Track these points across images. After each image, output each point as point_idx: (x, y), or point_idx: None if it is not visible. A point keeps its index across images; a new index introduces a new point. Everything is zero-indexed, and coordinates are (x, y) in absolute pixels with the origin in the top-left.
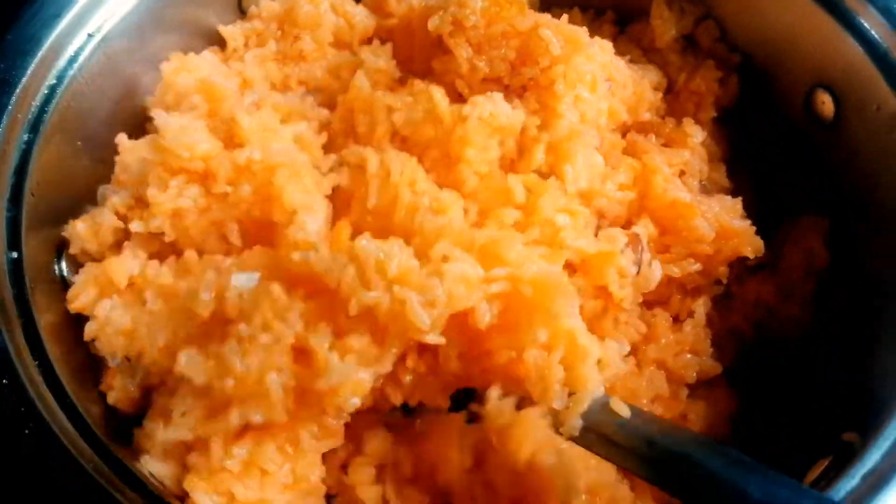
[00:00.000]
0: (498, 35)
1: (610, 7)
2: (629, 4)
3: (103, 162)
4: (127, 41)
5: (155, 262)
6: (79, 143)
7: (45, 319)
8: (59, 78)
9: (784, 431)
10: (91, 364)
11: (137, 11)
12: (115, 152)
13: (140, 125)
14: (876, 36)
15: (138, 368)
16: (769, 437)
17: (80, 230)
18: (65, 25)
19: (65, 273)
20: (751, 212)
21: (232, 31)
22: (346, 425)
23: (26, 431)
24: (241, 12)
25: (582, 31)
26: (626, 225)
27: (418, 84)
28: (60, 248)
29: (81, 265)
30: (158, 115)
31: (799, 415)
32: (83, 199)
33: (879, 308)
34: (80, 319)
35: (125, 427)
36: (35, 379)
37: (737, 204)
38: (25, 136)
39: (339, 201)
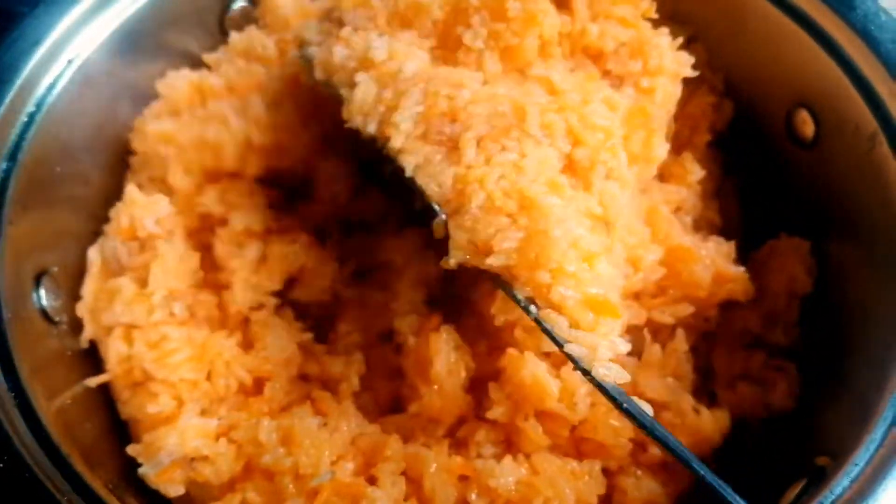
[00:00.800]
0: None
1: None
2: None
3: (87, 185)
4: (106, 67)
5: None
6: (58, 169)
7: (22, 354)
8: (38, 105)
9: (762, 453)
10: (75, 400)
11: (117, 37)
12: (100, 174)
13: (120, 152)
14: (853, 56)
15: None
16: (748, 457)
17: None
18: (44, 52)
19: (44, 302)
20: (735, 234)
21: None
22: None
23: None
24: (223, 34)
25: None
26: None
27: None
28: (39, 276)
29: (61, 292)
30: None
31: (776, 438)
32: (63, 227)
33: (856, 331)
34: (61, 352)
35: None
36: (12, 416)
37: (731, 248)
38: (4, 165)
39: None
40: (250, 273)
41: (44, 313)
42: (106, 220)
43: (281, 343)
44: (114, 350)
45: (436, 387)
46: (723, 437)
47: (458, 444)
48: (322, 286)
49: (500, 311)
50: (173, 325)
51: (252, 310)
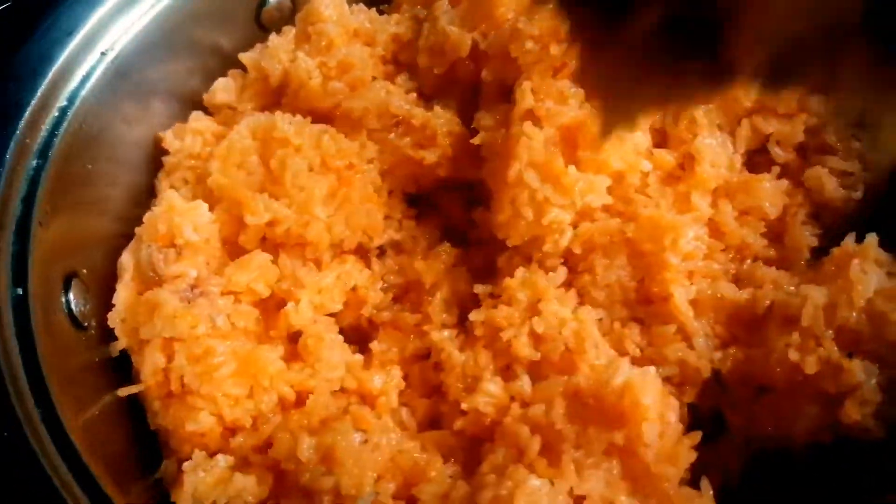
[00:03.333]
0: None
1: None
2: None
3: (115, 185)
4: (141, 59)
5: None
6: (89, 166)
7: (50, 362)
8: (71, 99)
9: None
10: (103, 411)
11: (152, 28)
12: (129, 174)
13: (151, 150)
14: None
15: None
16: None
17: None
18: (77, 43)
19: (72, 306)
20: None
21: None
22: None
23: (29, 489)
24: (260, 28)
25: None
26: None
27: None
28: (69, 279)
29: (90, 296)
30: None
31: (843, 475)
32: (92, 228)
33: None
34: (89, 360)
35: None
36: (39, 431)
37: None
38: (34, 163)
39: None
40: (315, 293)
41: (72, 318)
42: (135, 222)
43: (334, 361)
44: (150, 362)
45: (485, 399)
46: None
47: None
48: (370, 306)
49: None
50: (217, 338)
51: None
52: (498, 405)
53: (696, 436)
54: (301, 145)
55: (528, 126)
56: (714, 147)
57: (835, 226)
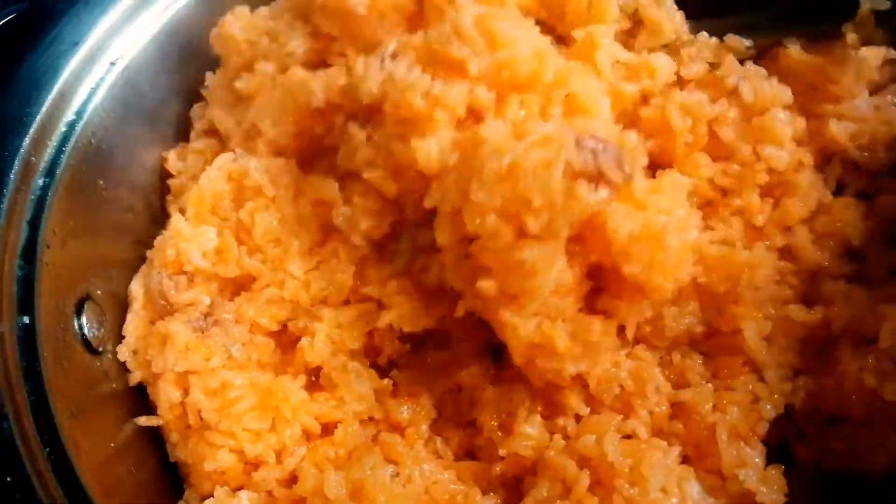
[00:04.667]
0: None
1: None
2: None
3: (131, 204)
4: (151, 70)
5: None
6: (101, 182)
7: (60, 398)
8: (79, 113)
9: None
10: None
11: (162, 37)
12: (143, 192)
13: (163, 160)
14: None
15: None
16: None
17: None
18: (84, 54)
19: (86, 331)
20: None
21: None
22: None
23: None
24: None
25: None
26: None
27: None
28: (81, 303)
29: (105, 319)
30: None
31: None
32: (109, 248)
33: None
34: (107, 389)
35: None
36: (46, 475)
37: None
38: (41, 182)
39: None
40: (334, 327)
41: (86, 343)
42: (152, 244)
43: (362, 390)
44: (165, 396)
45: (524, 442)
46: None
47: None
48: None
49: None
50: (234, 369)
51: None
52: (538, 446)
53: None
54: (276, 196)
55: None
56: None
57: None
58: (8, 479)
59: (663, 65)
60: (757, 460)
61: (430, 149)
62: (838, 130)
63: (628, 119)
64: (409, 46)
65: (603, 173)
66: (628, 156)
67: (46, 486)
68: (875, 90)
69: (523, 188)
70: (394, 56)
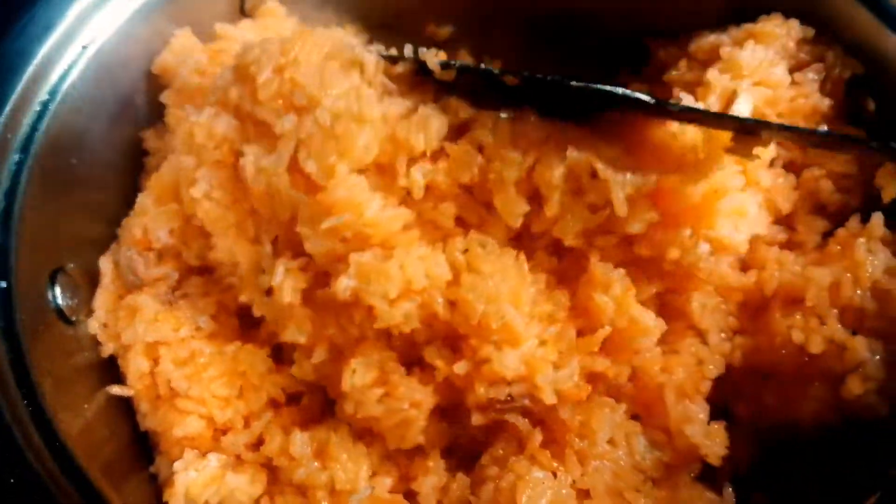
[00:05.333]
0: None
1: None
2: None
3: (102, 183)
4: (123, 53)
5: None
6: (73, 161)
7: (40, 359)
8: (52, 93)
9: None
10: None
11: (134, 21)
12: (115, 172)
13: (136, 141)
14: None
15: None
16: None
17: None
18: (57, 38)
19: (59, 300)
20: None
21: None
22: None
23: (11, 481)
24: (244, 14)
25: None
26: None
27: None
28: (54, 274)
29: (79, 290)
30: None
31: (848, 454)
32: (79, 221)
33: None
34: (82, 359)
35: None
36: (27, 428)
37: None
38: (16, 157)
39: None
40: None
41: (60, 313)
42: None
43: None
44: (134, 366)
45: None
46: None
47: None
48: None
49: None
50: (202, 339)
51: None
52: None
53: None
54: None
55: None
56: None
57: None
58: None
59: None
60: (701, 416)
61: None
62: (756, 94)
63: None
64: None
65: None
66: None
67: (29, 440)
68: (797, 67)
69: None
70: None
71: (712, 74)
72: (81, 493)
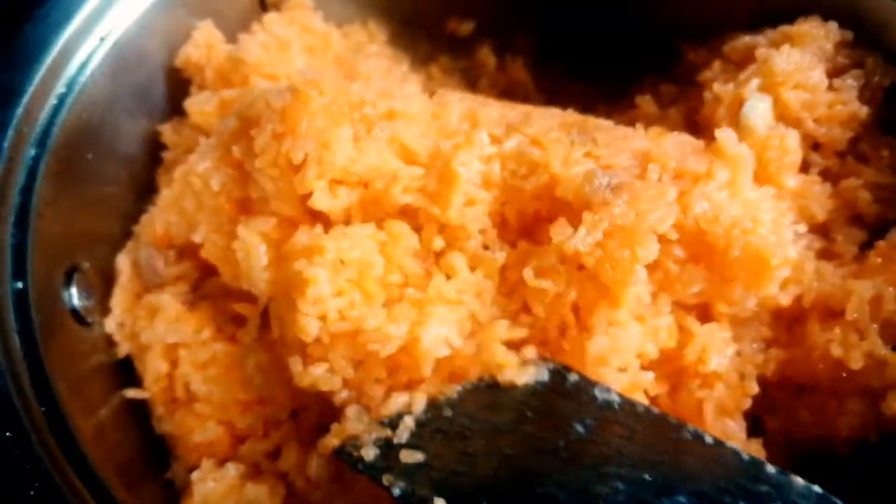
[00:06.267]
0: None
1: None
2: None
3: (117, 179)
4: (141, 45)
5: None
6: (90, 156)
7: (55, 360)
8: (69, 86)
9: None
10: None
11: (152, 13)
12: (130, 167)
13: (153, 135)
14: None
15: None
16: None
17: None
18: (74, 29)
19: (75, 301)
20: None
21: None
22: None
23: (31, 493)
24: (263, 9)
25: None
26: None
27: None
28: (70, 273)
29: (92, 290)
30: None
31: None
32: (97, 220)
33: None
34: (97, 361)
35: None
36: (42, 429)
37: None
38: (32, 152)
39: None
40: None
41: (76, 314)
42: (137, 219)
43: None
44: (152, 368)
45: None
46: None
47: None
48: None
49: None
50: (223, 341)
51: None
52: None
53: None
54: None
55: None
56: None
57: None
58: (7, 433)
59: None
60: (740, 434)
61: None
62: (792, 98)
63: None
64: None
65: None
66: None
67: (44, 441)
68: (835, 72)
69: None
70: None
71: (717, 87)
72: (93, 492)
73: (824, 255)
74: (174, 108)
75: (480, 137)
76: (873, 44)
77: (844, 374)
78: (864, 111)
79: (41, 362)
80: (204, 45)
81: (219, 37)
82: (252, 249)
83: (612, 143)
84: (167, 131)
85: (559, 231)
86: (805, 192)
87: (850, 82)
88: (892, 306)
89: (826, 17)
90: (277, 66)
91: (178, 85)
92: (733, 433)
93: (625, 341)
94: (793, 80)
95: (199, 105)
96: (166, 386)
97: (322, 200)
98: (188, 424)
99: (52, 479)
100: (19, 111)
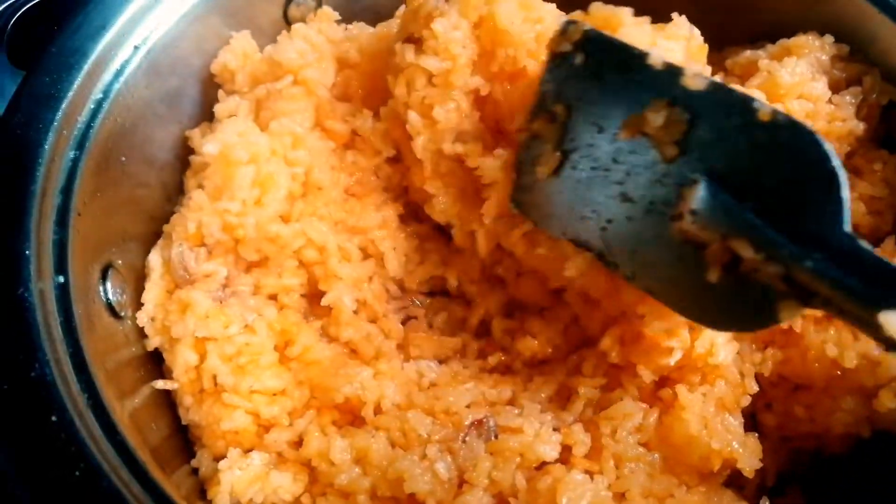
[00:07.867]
0: None
1: None
2: None
3: (148, 181)
4: (173, 54)
5: None
6: (123, 159)
7: (93, 350)
8: (106, 92)
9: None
10: (144, 402)
11: (184, 23)
12: (160, 170)
13: (182, 139)
14: None
15: None
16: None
17: None
18: (111, 37)
19: (110, 295)
20: None
21: None
22: None
23: (77, 473)
24: (287, 23)
25: None
26: None
27: None
28: (105, 270)
29: (126, 286)
30: None
31: (878, 466)
32: (126, 218)
33: None
34: (128, 352)
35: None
36: (85, 415)
37: None
38: (72, 154)
39: None
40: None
41: (110, 308)
42: (166, 219)
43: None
44: (181, 360)
45: None
46: None
47: None
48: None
49: None
50: (251, 335)
51: None
52: None
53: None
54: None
55: None
56: None
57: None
58: (53, 418)
59: None
60: (738, 428)
61: None
62: (797, 108)
63: None
64: None
65: None
66: None
67: (87, 425)
68: (833, 87)
69: None
70: None
71: None
72: (143, 486)
73: None
74: (203, 113)
75: None
76: (870, 62)
77: (839, 373)
78: (860, 127)
79: (82, 352)
80: (241, 52)
81: (254, 46)
82: None
83: None
84: (195, 136)
85: None
86: None
87: (849, 99)
88: None
89: (822, 33)
90: (312, 73)
91: (206, 91)
92: (732, 427)
93: None
94: (797, 91)
95: (227, 109)
96: (194, 377)
97: None
98: (216, 414)
99: (95, 460)
100: (59, 115)
